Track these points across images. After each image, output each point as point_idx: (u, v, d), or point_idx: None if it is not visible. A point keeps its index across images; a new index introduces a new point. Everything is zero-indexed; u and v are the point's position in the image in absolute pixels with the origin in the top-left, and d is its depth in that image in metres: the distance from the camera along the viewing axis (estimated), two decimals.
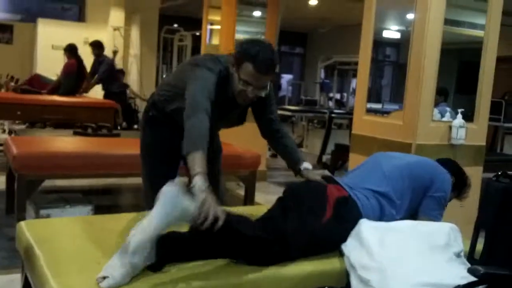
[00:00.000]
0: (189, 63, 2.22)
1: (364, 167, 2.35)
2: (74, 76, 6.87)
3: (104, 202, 4.66)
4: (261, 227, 1.89)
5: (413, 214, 2.21)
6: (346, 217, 2.01)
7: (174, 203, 1.63)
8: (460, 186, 2.40)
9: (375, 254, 1.82)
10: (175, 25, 10.81)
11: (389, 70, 14.03)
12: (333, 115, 7.87)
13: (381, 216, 2.11)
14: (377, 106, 4.63)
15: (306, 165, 2.32)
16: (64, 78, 6.84)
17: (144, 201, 2.52)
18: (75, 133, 4.76)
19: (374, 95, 5.24)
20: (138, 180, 4.33)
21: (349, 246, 1.96)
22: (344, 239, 1.99)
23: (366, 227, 1.97)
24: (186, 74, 2.14)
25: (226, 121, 2.43)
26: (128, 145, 4.26)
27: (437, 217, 2.19)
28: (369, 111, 4.00)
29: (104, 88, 7.48)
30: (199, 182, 1.74)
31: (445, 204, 2.23)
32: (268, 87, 2.21)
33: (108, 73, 7.38)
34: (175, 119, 2.23)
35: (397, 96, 4.10)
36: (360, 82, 4.04)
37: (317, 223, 1.94)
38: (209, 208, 1.66)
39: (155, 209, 1.64)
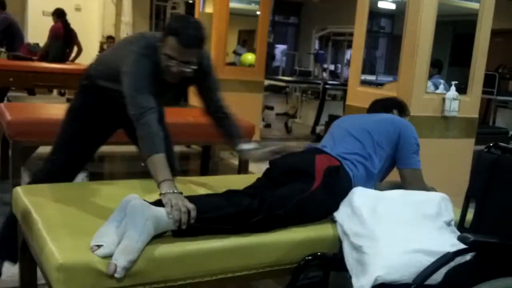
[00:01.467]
0: (126, 46, 2.19)
1: (335, 133, 2.35)
2: (61, 41, 6.73)
3: (98, 169, 4.68)
4: (245, 196, 1.91)
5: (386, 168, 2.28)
6: (336, 186, 2.04)
7: (143, 216, 1.63)
8: (403, 111, 2.52)
9: (367, 222, 1.85)
10: None
11: (383, 41, 13.91)
12: (327, 86, 7.87)
13: (367, 180, 2.16)
14: (371, 77, 4.64)
15: (245, 146, 2.33)
16: (51, 41, 6.70)
17: (46, 168, 2.40)
18: (69, 100, 4.73)
19: (368, 66, 5.24)
20: (130, 148, 4.35)
21: (342, 214, 1.99)
22: (334, 208, 2.02)
23: (358, 196, 2.00)
24: (122, 58, 2.11)
25: (162, 101, 2.35)
26: None
27: (417, 164, 2.24)
28: (363, 82, 4.01)
29: (7, 50, 6.67)
30: (166, 190, 1.78)
31: (418, 148, 2.28)
32: (207, 68, 2.23)
33: (2, 29, 6.72)
34: (106, 92, 2.27)
35: (392, 68, 4.11)
36: (355, 54, 4.04)
37: (305, 192, 1.97)
38: (179, 205, 1.71)
39: (129, 229, 1.62)
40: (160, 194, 1.79)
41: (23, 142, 3.33)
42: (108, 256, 1.57)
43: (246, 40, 8.42)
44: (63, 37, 6.77)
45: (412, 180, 2.20)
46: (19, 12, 9.68)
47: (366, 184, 2.13)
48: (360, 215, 1.89)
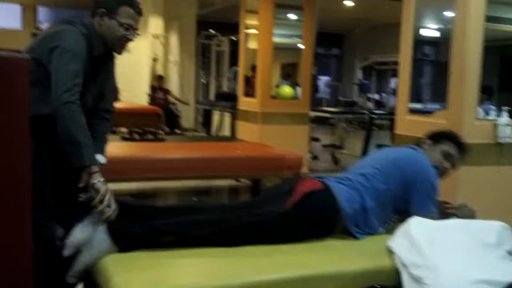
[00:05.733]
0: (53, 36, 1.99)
1: (357, 165, 2.44)
2: None
3: (153, 205, 4.79)
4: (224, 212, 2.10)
5: (399, 210, 2.25)
6: (307, 208, 2.08)
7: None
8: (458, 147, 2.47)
9: (427, 252, 1.84)
10: (212, 31, 10.98)
11: (428, 69, 13.78)
12: (373, 116, 7.82)
13: (362, 210, 2.16)
14: (418, 105, 4.60)
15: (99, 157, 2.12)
16: None
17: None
18: (123, 139, 4.92)
19: (414, 94, 5.20)
20: (182, 184, 4.45)
21: (399, 245, 1.98)
22: (303, 228, 2.06)
23: (415, 226, 1.99)
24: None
25: (94, 91, 2.14)
26: (173, 149, 4.39)
27: (430, 211, 2.20)
28: (410, 111, 3.99)
29: None
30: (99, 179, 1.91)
31: (435, 195, 2.25)
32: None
33: None
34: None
35: (438, 95, 4.07)
36: (402, 82, 4.04)
37: (272, 213, 2.05)
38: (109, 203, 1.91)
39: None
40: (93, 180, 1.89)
41: None
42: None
43: (290, 74, 8.54)
44: None
45: None
46: None
47: (363, 219, 2.16)
48: (418, 245, 1.87)
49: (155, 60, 9.37)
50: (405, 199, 2.23)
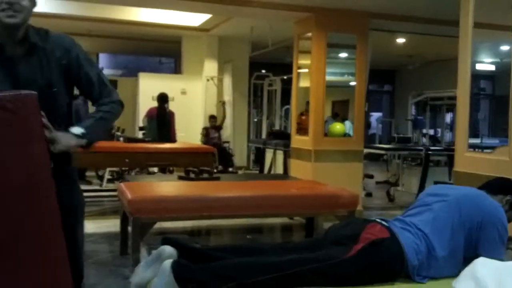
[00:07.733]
0: None
1: (419, 203, 2.34)
2: (154, 121, 7.48)
3: (207, 242, 4.85)
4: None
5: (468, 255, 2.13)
6: (373, 258, 2.03)
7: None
8: None
9: None
10: (264, 71, 11.19)
11: (485, 103, 13.41)
12: (429, 152, 7.64)
13: (428, 259, 2.10)
14: (476, 140, 4.49)
15: (75, 129, 1.93)
16: (147, 122, 7.79)
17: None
18: (180, 178, 5.04)
19: (471, 129, 5.09)
20: (235, 221, 4.43)
21: (464, 287, 1.91)
22: (365, 276, 2.02)
23: (481, 267, 1.91)
24: None
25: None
26: (228, 187, 4.45)
27: (501, 255, 2.11)
28: (468, 146, 3.90)
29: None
30: None
31: (504, 238, 2.15)
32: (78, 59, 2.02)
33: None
34: None
35: (496, 130, 3.97)
36: (460, 118, 3.96)
37: (334, 259, 2.00)
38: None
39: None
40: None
41: (142, 218, 3.57)
42: None
43: (338, 114, 8.55)
44: (156, 119, 7.41)
45: None
46: (131, 98, 10.65)
47: (427, 268, 2.09)
48: (485, 287, 1.80)
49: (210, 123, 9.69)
50: (475, 244, 2.16)
